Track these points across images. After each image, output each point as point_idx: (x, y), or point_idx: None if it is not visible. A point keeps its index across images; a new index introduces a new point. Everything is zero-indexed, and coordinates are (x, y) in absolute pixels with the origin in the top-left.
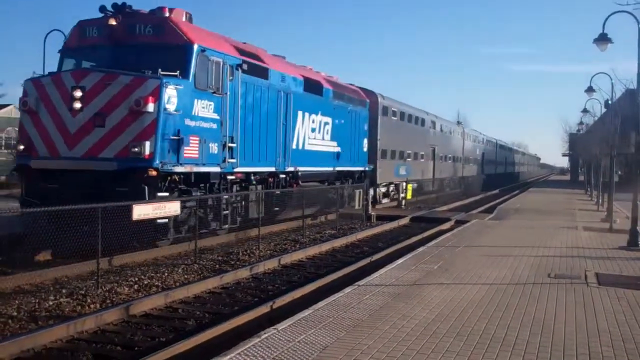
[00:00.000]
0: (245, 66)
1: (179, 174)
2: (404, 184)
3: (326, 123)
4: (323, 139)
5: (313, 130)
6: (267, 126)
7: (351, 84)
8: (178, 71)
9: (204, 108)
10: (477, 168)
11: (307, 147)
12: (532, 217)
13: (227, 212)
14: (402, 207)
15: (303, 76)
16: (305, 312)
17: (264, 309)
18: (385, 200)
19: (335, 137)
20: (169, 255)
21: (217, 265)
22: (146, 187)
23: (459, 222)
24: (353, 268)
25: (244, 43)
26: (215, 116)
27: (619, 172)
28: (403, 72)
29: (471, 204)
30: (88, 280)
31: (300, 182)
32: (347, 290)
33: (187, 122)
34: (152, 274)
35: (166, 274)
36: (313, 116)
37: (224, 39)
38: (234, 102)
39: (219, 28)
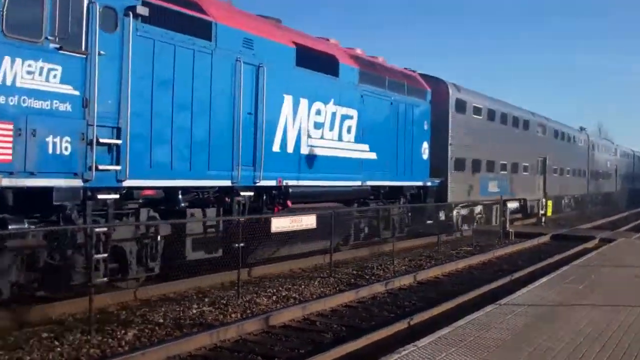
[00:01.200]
0: (144, 10)
1: None
2: (543, 200)
3: (346, 117)
4: (340, 139)
5: (319, 125)
6: (209, 114)
7: (406, 68)
8: None
9: (32, 74)
10: (611, 183)
11: (305, 150)
12: None
13: (102, 255)
14: (542, 224)
15: (296, 44)
16: (445, 330)
17: (401, 325)
18: (466, 227)
19: (365, 138)
20: (305, 268)
21: (352, 279)
22: None
23: (604, 241)
24: (492, 286)
25: None
26: (69, 90)
27: None
28: (536, 85)
29: (616, 222)
30: (229, 290)
31: (290, 204)
32: (488, 308)
33: None
34: (289, 286)
35: (303, 286)
36: (318, 105)
37: None
38: (119, 70)
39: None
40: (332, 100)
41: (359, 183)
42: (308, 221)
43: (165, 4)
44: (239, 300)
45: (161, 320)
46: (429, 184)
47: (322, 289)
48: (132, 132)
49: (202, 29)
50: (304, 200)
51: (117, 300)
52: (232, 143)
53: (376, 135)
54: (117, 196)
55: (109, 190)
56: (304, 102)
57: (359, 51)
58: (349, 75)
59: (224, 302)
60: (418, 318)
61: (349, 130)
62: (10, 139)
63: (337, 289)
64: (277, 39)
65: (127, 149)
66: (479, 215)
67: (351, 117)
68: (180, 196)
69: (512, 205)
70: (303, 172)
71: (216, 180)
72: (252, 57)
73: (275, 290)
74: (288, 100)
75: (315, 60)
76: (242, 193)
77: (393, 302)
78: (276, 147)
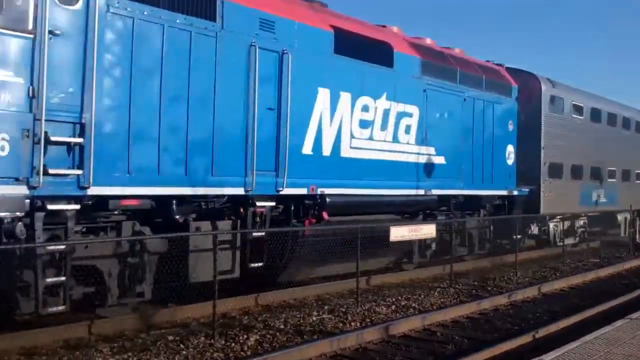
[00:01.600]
0: None
1: None
2: None
3: (404, 114)
4: (395, 140)
5: (366, 124)
6: (213, 109)
7: (489, 61)
8: None
9: None
10: None
11: (347, 152)
12: None
13: (57, 279)
14: None
15: (335, 27)
16: (573, 345)
17: (525, 339)
18: (569, 241)
19: (429, 139)
20: (425, 278)
21: (473, 290)
22: None
23: None
24: (622, 300)
25: None
26: (8, 77)
27: None
28: None
29: None
30: (348, 299)
31: (326, 216)
32: (618, 323)
33: None
34: (408, 296)
35: (422, 296)
36: (365, 100)
37: None
38: (82, 54)
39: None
40: (385, 94)
41: (421, 192)
42: (428, 230)
43: None
44: (358, 308)
45: (282, 326)
46: (515, 193)
47: (442, 300)
48: (101, 129)
49: (203, 7)
50: (346, 211)
51: (239, 306)
52: (244, 143)
53: (444, 136)
54: (77, 207)
55: (68, 199)
56: (345, 97)
57: (428, 41)
58: (408, 65)
59: (343, 310)
60: (543, 331)
61: (407, 130)
62: None
63: (458, 299)
64: (309, 22)
65: (91, 149)
66: (582, 229)
67: (410, 115)
68: (174, 206)
69: (622, 216)
70: (345, 179)
71: (222, 188)
72: (273, 42)
73: (394, 300)
74: (323, 93)
75: (362, 48)
76: (259, 203)
77: (516, 315)
78: (307, 149)
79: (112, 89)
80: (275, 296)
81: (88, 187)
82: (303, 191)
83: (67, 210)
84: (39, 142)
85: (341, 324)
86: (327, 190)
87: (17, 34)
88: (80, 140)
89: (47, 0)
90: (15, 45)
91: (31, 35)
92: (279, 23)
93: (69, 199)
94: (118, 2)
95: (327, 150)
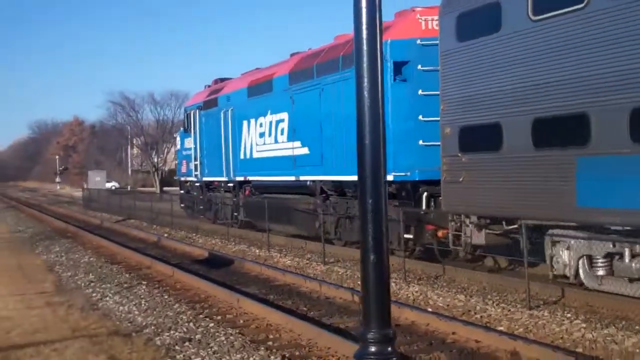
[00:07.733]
0: None
1: None
2: None
3: (279, 121)
4: (275, 141)
5: (262, 134)
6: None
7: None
8: None
9: None
10: None
11: (255, 154)
12: None
13: None
14: None
15: (249, 82)
16: None
17: None
18: None
19: (295, 136)
20: None
21: None
22: None
23: None
24: None
25: None
26: None
27: None
28: None
29: None
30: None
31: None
32: None
33: None
34: None
35: None
36: (260, 120)
37: None
38: None
39: None
40: (269, 111)
41: (292, 178)
42: None
43: None
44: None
45: None
46: (391, 177)
47: None
48: None
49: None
50: (263, 190)
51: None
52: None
53: (307, 130)
54: None
55: None
56: (252, 121)
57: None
58: (281, 84)
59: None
60: None
61: (281, 132)
62: None
63: None
64: (240, 86)
65: None
66: None
67: (282, 120)
68: None
69: None
70: (256, 170)
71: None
72: (227, 103)
73: None
74: (245, 123)
75: (260, 87)
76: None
77: None
78: (242, 155)
79: None
80: None
81: None
82: (241, 178)
83: None
84: None
85: None
86: (250, 177)
87: None
88: None
89: None
90: None
91: None
92: (232, 95)
93: None
94: None
95: (247, 155)
